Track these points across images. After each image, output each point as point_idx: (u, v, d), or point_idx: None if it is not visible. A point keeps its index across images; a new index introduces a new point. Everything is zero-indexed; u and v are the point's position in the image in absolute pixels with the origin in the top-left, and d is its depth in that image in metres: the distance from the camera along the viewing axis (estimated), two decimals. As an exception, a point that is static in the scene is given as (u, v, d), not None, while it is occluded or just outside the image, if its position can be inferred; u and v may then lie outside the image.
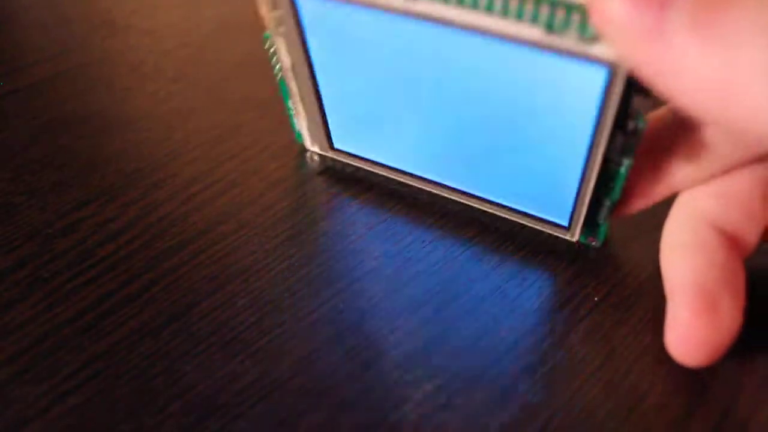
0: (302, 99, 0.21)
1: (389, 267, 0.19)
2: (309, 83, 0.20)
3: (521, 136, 0.17)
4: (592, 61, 0.14)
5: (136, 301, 0.18)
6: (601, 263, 0.19)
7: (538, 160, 0.17)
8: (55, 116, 0.24)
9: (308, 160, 0.22)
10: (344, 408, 0.16)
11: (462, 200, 0.20)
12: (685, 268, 0.16)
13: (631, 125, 0.16)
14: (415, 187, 0.21)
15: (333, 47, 0.18)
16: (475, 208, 0.20)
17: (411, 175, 0.21)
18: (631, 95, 0.15)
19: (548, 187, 0.18)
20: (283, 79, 0.21)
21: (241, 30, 0.28)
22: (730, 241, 0.16)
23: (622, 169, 0.17)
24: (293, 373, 0.17)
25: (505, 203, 0.20)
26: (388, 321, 0.18)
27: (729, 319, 0.16)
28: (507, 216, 0.20)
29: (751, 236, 0.17)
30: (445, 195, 0.21)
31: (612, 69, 0.14)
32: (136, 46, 0.27)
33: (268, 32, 0.19)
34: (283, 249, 0.19)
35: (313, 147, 0.22)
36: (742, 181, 0.17)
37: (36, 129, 0.23)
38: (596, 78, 0.14)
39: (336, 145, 0.21)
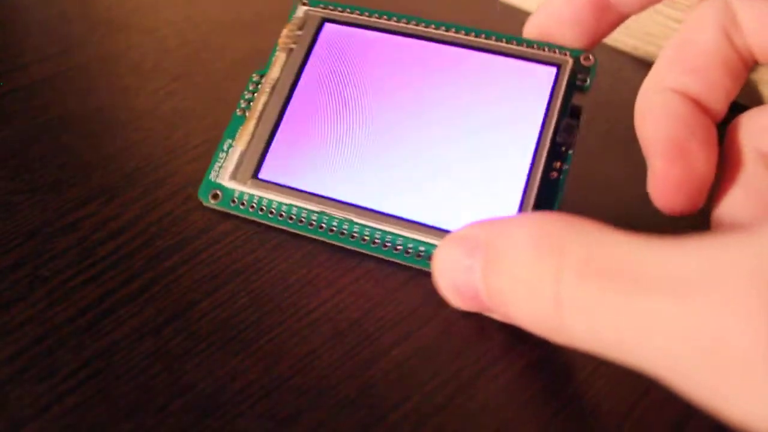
0: (259, 119, 0.20)
1: (388, 267, 0.19)
2: (282, 98, 0.21)
3: (477, 135, 0.19)
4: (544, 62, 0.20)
5: (136, 300, 0.18)
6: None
7: (490, 155, 0.19)
8: (56, 115, 0.24)
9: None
10: (344, 407, 0.16)
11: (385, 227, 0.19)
12: (656, 126, 0.17)
13: (573, 112, 0.19)
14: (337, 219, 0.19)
15: (328, 66, 0.21)
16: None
17: (343, 204, 0.19)
18: (572, 91, 0.19)
19: (498, 184, 0.19)
20: (240, 112, 0.21)
21: (242, 29, 0.28)
22: (695, 103, 0.18)
23: (570, 152, 0.19)
24: (293, 372, 0.17)
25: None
26: (388, 320, 0.18)
27: (701, 163, 0.17)
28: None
29: (717, 104, 0.18)
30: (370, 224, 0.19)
31: (560, 66, 0.19)
32: (137, 45, 0.27)
33: (277, 44, 0.21)
34: (283, 248, 0.19)
35: (229, 181, 0.20)
36: (698, 55, 0.18)
37: (36, 128, 0.23)
38: (548, 73, 0.19)
39: (262, 175, 0.20)
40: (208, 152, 0.22)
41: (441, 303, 0.18)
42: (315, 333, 0.17)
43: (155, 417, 0.16)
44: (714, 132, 0.18)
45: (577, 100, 0.20)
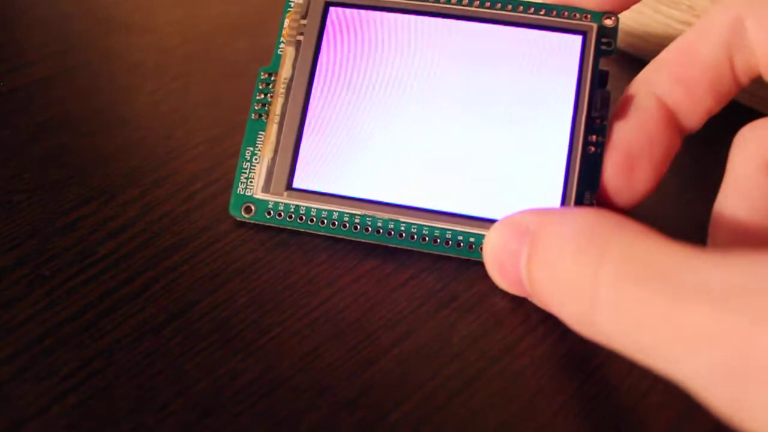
0: (281, 123, 0.20)
1: (390, 265, 0.19)
2: (300, 99, 0.20)
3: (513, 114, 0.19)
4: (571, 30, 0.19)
5: (136, 299, 0.18)
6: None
7: (526, 136, 0.19)
8: (56, 114, 0.24)
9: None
10: (344, 407, 0.16)
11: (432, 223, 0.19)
12: (620, 128, 0.18)
13: (602, 79, 0.19)
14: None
15: (341, 56, 0.20)
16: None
17: (385, 205, 0.19)
18: (599, 57, 0.19)
19: (534, 188, 0.19)
20: (256, 117, 0.20)
21: (242, 28, 0.28)
22: (669, 114, 0.18)
23: (605, 123, 0.19)
24: (294, 372, 0.17)
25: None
26: (388, 319, 0.18)
27: (642, 182, 0.18)
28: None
29: (692, 120, 0.18)
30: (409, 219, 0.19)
31: (585, 34, 0.19)
32: (137, 45, 0.27)
33: (282, 39, 0.20)
34: (283, 247, 0.19)
35: (262, 194, 0.19)
36: (694, 65, 0.18)
37: (36, 127, 0.23)
38: (574, 42, 0.19)
39: (296, 185, 0.19)
40: (208, 152, 0.22)
41: (441, 303, 0.18)
42: (315, 332, 0.17)
43: (155, 416, 0.16)
44: (673, 150, 0.18)
45: (602, 64, 0.19)
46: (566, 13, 0.19)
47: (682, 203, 0.21)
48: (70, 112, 0.24)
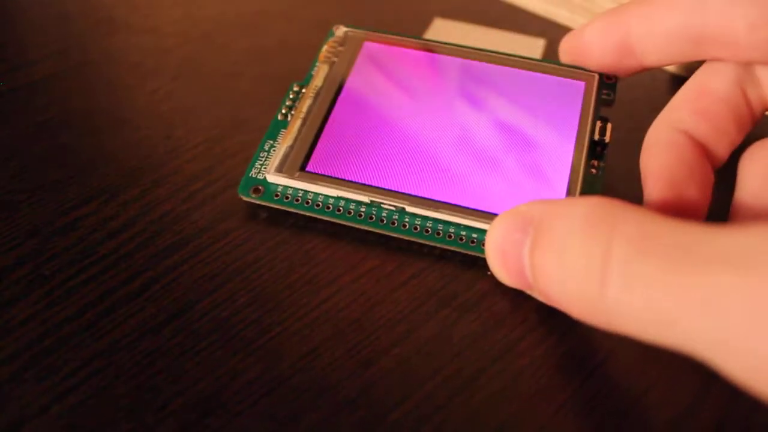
0: (304, 121, 0.21)
1: (390, 264, 0.19)
2: (326, 105, 0.21)
3: (524, 137, 0.20)
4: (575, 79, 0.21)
5: (136, 299, 0.18)
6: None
7: (534, 163, 0.20)
8: (56, 114, 0.24)
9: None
10: (344, 406, 0.16)
11: (437, 215, 0.19)
12: (659, 162, 0.18)
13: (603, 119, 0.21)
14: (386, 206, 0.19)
15: (370, 78, 0.22)
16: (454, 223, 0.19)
17: (393, 192, 0.19)
18: (600, 102, 0.21)
19: (541, 190, 0.19)
20: (282, 117, 0.22)
21: (242, 28, 0.28)
22: (700, 146, 0.18)
23: (605, 152, 0.20)
24: (293, 372, 0.17)
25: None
26: (388, 319, 0.18)
27: (694, 200, 0.17)
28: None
29: (721, 151, 0.18)
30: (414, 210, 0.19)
31: (587, 81, 0.21)
32: (137, 44, 0.27)
33: (317, 59, 0.23)
34: (284, 247, 0.19)
35: (275, 174, 0.20)
36: (713, 100, 0.18)
37: (36, 127, 0.23)
38: (578, 86, 0.21)
39: (309, 168, 0.20)
40: (208, 151, 0.22)
41: (441, 302, 0.18)
42: (315, 332, 0.17)
43: (155, 416, 0.16)
44: (711, 179, 0.18)
45: (603, 112, 0.21)
46: (573, 68, 0.22)
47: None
48: (70, 112, 0.24)
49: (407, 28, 0.27)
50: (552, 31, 0.28)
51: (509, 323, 0.18)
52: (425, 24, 0.29)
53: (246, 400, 0.16)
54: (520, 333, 0.18)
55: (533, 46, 0.27)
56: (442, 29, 0.28)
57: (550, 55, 0.26)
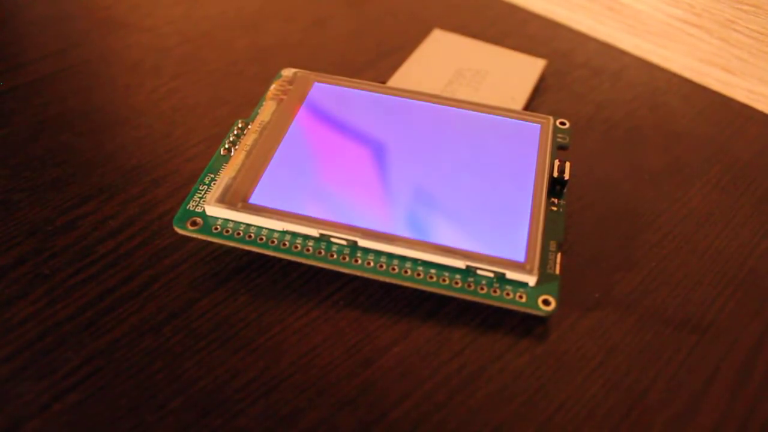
0: (249, 153, 0.19)
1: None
2: (272, 139, 0.20)
3: (480, 181, 0.20)
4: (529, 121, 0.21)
5: (136, 297, 0.18)
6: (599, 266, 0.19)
7: (493, 201, 0.19)
8: (56, 113, 0.24)
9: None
10: (344, 405, 0.16)
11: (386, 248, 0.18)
12: None
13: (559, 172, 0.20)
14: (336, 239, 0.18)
15: (319, 115, 0.21)
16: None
17: (342, 225, 0.18)
18: (555, 145, 0.21)
19: (501, 225, 0.18)
20: (225, 152, 0.20)
21: (241, 27, 0.28)
22: None
23: (561, 210, 0.20)
24: (293, 370, 0.17)
25: (456, 245, 0.18)
26: (388, 318, 0.18)
27: None
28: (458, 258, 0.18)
29: None
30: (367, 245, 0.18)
31: (542, 124, 0.21)
32: (137, 44, 0.27)
33: (264, 97, 0.22)
34: (283, 246, 0.19)
35: (216, 205, 0.18)
36: None
37: (36, 126, 0.23)
38: (534, 128, 0.21)
39: (253, 200, 0.18)
40: (208, 150, 0.22)
41: (441, 301, 0.18)
42: (315, 331, 0.17)
43: (155, 415, 0.16)
44: None
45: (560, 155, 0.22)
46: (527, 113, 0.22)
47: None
48: (69, 111, 0.24)
49: (407, 37, 0.27)
50: (554, 54, 0.28)
51: (509, 322, 0.18)
52: (425, 32, 0.29)
53: (245, 399, 0.16)
54: (519, 332, 0.18)
55: (533, 66, 0.26)
56: (441, 40, 0.27)
57: (549, 75, 0.26)
